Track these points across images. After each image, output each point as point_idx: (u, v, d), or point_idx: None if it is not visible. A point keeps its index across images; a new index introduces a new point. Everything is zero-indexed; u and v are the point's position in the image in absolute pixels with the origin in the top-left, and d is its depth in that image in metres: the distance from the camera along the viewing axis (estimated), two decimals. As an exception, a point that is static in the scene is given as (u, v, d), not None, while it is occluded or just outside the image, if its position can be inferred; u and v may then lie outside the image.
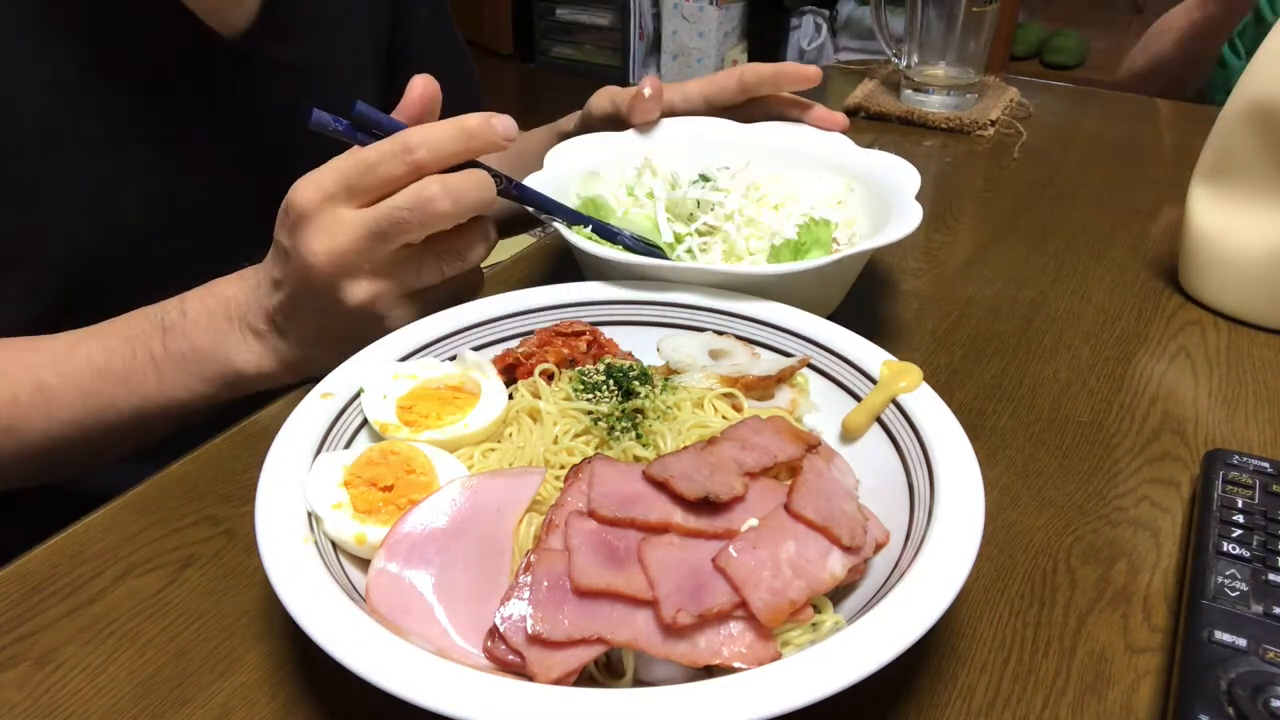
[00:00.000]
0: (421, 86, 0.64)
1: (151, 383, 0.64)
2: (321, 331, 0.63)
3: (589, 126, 0.86)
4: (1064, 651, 0.49)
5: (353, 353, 0.58)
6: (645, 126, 0.83)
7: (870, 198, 0.78)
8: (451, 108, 0.64)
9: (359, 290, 0.60)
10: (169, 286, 0.66)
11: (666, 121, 0.84)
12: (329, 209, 0.59)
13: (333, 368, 0.57)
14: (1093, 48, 3.03)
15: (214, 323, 0.64)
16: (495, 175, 0.63)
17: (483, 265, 0.68)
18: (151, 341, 0.64)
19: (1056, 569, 0.54)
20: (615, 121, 0.84)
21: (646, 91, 0.81)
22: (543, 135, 0.96)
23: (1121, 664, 0.48)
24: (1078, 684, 0.47)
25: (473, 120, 0.60)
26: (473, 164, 0.62)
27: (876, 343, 0.59)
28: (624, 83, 0.89)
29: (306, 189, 0.59)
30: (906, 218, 0.69)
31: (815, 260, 0.67)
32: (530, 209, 0.69)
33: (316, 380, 0.56)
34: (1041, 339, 0.76)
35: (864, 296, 0.81)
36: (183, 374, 0.64)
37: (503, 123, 0.61)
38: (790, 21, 3.35)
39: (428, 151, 0.59)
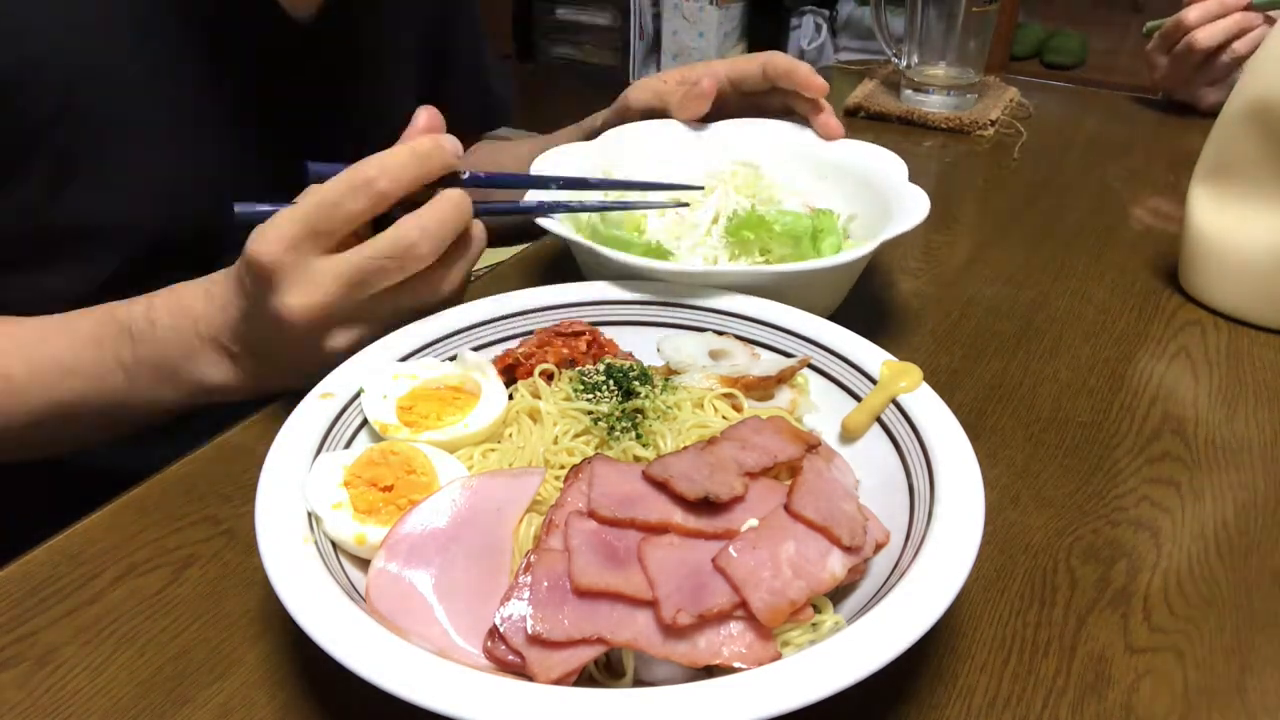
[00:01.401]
0: (426, 118, 0.63)
1: (121, 386, 0.64)
2: (296, 364, 0.61)
3: (625, 120, 0.86)
4: (1064, 651, 0.49)
5: (324, 374, 0.57)
6: (613, 133, 0.83)
7: (855, 188, 0.78)
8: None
9: (340, 339, 0.59)
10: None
11: (629, 128, 0.84)
12: (299, 260, 0.57)
13: (304, 387, 0.56)
14: (1093, 48, 3.02)
15: (184, 338, 0.62)
16: (458, 175, 0.62)
17: (480, 268, 0.68)
18: (120, 347, 0.63)
19: (1056, 569, 0.54)
20: (654, 114, 0.84)
21: (705, 84, 0.81)
22: (570, 134, 0.96)
23: (1121, 664, 0.48)
24: (1078, 684, 0.47)
25: (424, 144, 0.60)
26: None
27: (876, 343, 0.59)
28: (624, 83, 0.89)
29: (268, 241, 0.56)
30: (916, 204, 0.69)
31: (843, 254, 0.67)
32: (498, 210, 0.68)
33: (283, 395, 0.56)
34: (1041, 339, 0.76)
35: (864, 296, 0.81)
36: (153, 381, 0.63)
37: (451, 142, 0.61)
38: (790, 21, 3.35)
39: (389, 181, 0.58)
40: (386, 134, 0.62)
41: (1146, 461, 0.63)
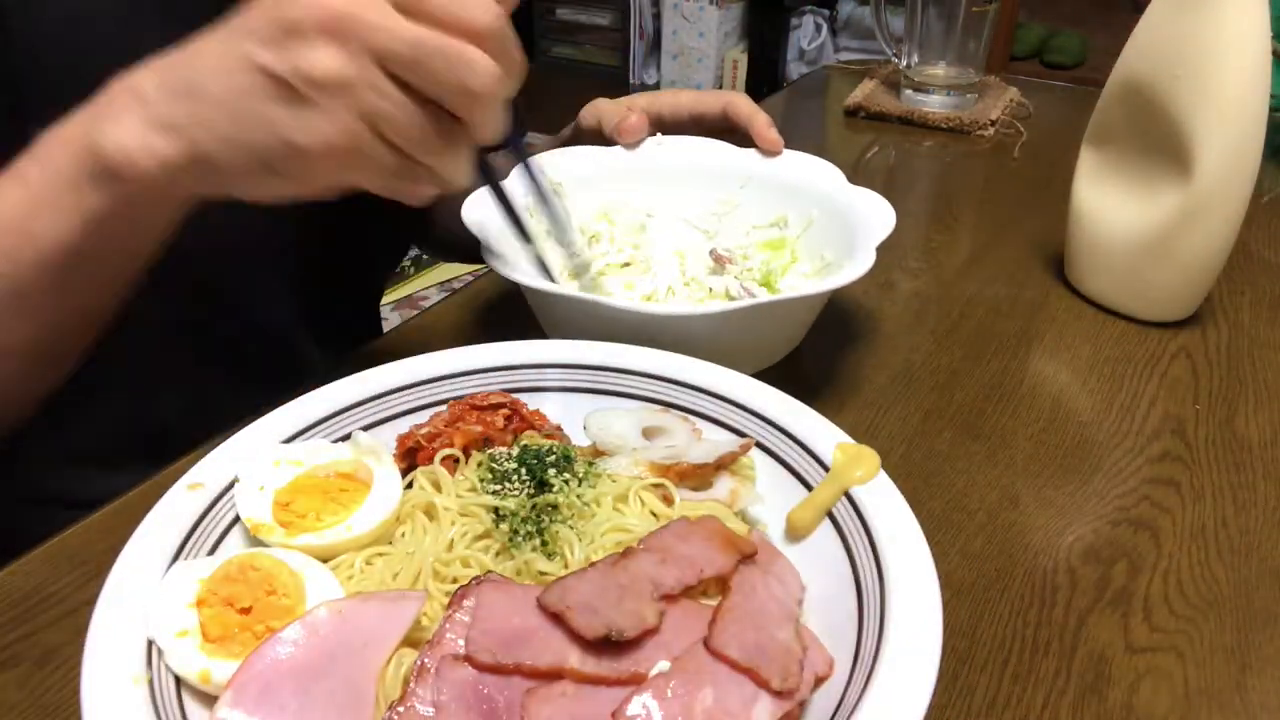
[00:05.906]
0: None
1: (14, 198, 0.52)
2: (232, 105, 0.47)
3: (579, 139, 0.87)
4: (1064, 651, 0.49)
5: (245, 160, 0.48)
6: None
7: (773, 193, 0.77)
8: None
9: (329, 57, 0.45)
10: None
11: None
12: None
13: (218, 189, 0.49)
14: (1092, 48, 3.02)
15: (92, 106, 0.50)
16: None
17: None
18: (25, 160, 0.53)
19: (1056, 569, 0.54)
20: (601, 137, 0.84)
21: (633, 120, 0.81)
22: (546, 144, 0.96)
23: (1121, 664, 0.48)
24: (1078, 684, 0.47)
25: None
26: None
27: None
28: (624, 82, 0.90)
29: None
30: (882, 208, 0.68)
31: (836, 279, 0.62)
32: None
33: (200, 195, 0.51)
34: (1041, 339, 0.77)
35: (864, 296, 0.81)
36: (47, 176, 0.51)
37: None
38: (790, 21, 3.35)
39: (502, 36, 0.47)
40: None
41: (1146, 461, 0.63)
